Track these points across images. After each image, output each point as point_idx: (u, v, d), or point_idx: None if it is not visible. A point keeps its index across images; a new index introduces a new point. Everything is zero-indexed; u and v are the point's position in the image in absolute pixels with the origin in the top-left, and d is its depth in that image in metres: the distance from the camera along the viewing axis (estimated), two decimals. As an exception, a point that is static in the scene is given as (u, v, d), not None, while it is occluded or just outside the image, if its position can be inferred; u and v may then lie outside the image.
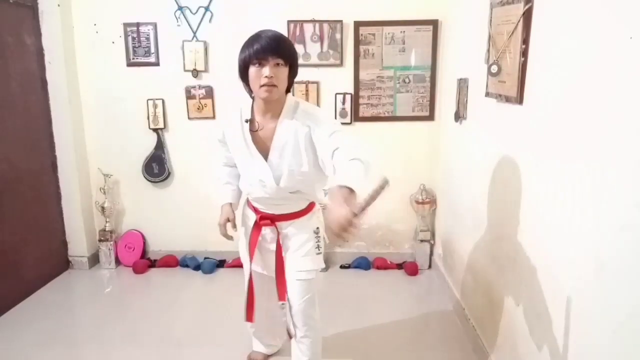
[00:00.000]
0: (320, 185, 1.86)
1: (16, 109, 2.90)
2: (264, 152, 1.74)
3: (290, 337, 1.98)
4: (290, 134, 1.69)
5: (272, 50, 1.58)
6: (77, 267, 3.40)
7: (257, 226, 1.90)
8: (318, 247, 1.90)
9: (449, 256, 3.04)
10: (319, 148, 1.67)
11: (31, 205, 3.04)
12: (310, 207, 1.91)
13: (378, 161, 3.41)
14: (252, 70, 1.61)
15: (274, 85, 1.61)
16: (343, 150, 1.56)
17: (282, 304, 1.91)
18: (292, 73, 1.69)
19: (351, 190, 1.37)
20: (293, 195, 1.80)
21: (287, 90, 1.74)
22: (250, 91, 1.72)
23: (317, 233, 1.90)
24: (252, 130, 1.75)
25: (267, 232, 1.91)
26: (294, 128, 1.69)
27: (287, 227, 1.88)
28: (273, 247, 1.90)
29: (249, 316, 2.02)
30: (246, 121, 1.75)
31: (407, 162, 3.32)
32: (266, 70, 1.58)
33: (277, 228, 1.87)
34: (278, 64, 1.60)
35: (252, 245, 1.93)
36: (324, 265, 1.93)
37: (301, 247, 1.87)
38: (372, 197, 1.30)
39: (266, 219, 1.87)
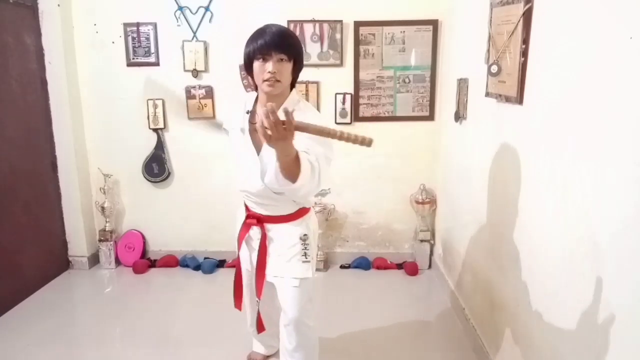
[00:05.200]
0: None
1: (16, 109, 2.90)
2: (259, 146, 1.73)
3: (257, 332, 1.98)
4: None
5: (275, 46, 1.59)
6: (77, 267, 3.40)
7: (246, 224, 1.90)
8: (305, 254, 1.84)
9: (448, 256, 3.04)
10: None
11: (31, 205, 3.04)
12: (301, 212, 1.86)
13: (378, 161, 3.43)
14: (256, 64, 1.62)
15: (277, 81, 1.62)
16: (308, 156, 1.50)
17: (257, 300, 1.91)
18: (297, 68, 1.70)
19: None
20: (279, 197, 1.76)
21: (292, 85, 1.75)
22: (254, 86, 1.73)
23: (304, 240, 1.84)
24: (252, 122, 1.75)
25: (254, 231, 1.90)
26: None
27: (273, 230, 1.86)
28: (257, 247, 1.90)
29: (237, 303, 2.02)
30: (247, 112, 1.76)
31: (407, 162, 3.33)
32: (269, 66, 1.59)
33: (263, 229, 1.86)
34: (282, 60, 1.61)
35: (239, 241, 1.94)
36: (310, 275, 1.85)
37: (284, 252, 1.85)
38: (321, 130, 1.26)
39: (253, 218, 1.87)
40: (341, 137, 1.25)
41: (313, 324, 1.93)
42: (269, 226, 1.86)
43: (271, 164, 1.50)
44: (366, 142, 1.23)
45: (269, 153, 1.70)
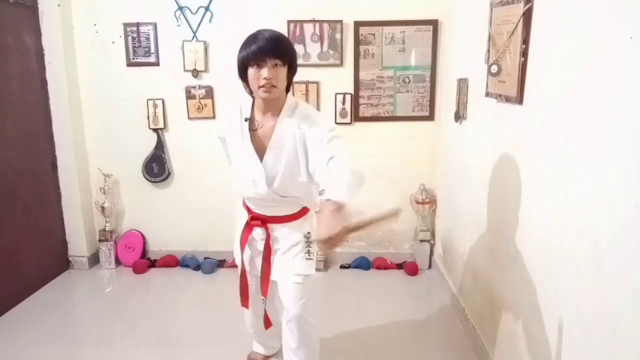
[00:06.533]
0: (315, 191, 1.78)
1: (16, 109, 2.90)
2: (261, 152, 1.73)
3: (265, 327, 2.00)
4: (289, 135, 1.69)
5: (270, 52, 1.58)
6: (77, 267, 3.40)
7: (249, 226, 1.91)
8: (308, 252, 1.87)
9: (448, 256, 3.04)
10: (312, 153, 1.65)
11: (31, 206, 3.04)
12: (303, 211, 1.89)
13: (378, 161, 3.42)
14: (251, 71, 1.61)
15: (273, 86, 1.61)
16: (338, 161, 1.52)
17: (264, 299, 1.93)
18: (291, 72, 1.69)
19: (340, 206, 1.35)
20: (285, 199, 1.78)
21: (287, 89, 1.74)
22: (249, 90, 1.72)
23: (307, 238, 1.87)
24: (251, 129, 1.75)
25: (257, 232, 1.91)
26: (292, 129, 1.69)
27: (277, 230, 1.87)
28: (262, 247, 1.90)
29: (244, 302, 2.04)
30: (245, 120, 1.75)
31: (407, 162, 3.33)
32: (265, 72, 1.58)
33: (267, 229, 1.87)
34: (276, 65, 1.60)
35: (242, 243, 1.94)
36: (313, 272, 1.89)
37: (289, 250, 1.86)
38: (375, 222, 1.31)
39: (257, 220, 1.87)
40: (375, 224, 1.34)
41: (314, 322, 1.94)
42: (273, 226, 1.87)
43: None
44: (393, 214, 1.33)
45: (273, 157, 1.71)
